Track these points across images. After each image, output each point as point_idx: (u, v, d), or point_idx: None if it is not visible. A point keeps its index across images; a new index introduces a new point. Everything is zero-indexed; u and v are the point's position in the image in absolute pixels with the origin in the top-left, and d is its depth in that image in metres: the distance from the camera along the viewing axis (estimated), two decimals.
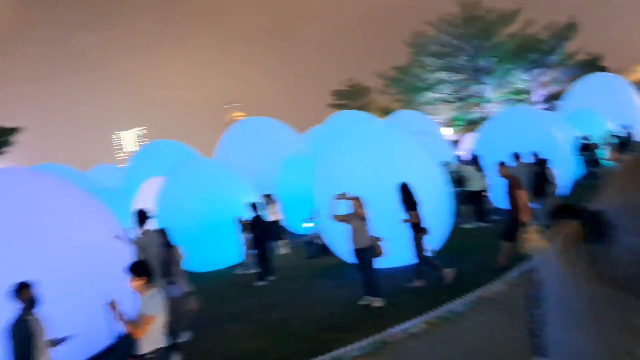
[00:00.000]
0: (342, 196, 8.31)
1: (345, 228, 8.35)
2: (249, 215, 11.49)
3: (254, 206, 11.59)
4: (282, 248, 14.48)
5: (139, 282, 4.82)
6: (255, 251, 11.28)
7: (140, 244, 7.33)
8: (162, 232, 7.74)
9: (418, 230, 8.68)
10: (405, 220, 8.58)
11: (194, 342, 7.75)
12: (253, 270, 11.46)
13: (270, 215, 14.03)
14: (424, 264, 8.77)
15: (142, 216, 7.93)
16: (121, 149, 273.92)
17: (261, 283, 11.01)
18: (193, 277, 9.05)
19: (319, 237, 12.52)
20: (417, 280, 8.81)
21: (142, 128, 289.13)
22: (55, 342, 5.09)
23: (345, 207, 8.50)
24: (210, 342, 7.77)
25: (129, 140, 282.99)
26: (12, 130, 10.83)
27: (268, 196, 14.80)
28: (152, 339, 4.67)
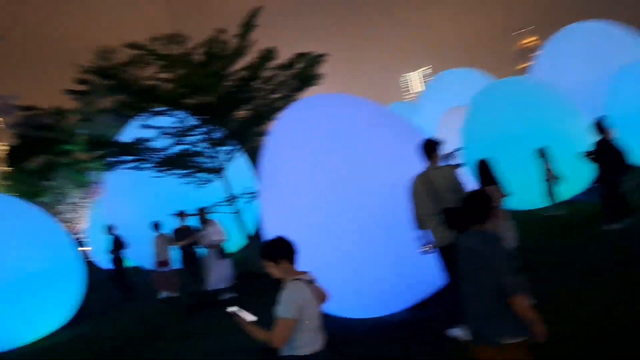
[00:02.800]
0: None
1: None
2: (592, 140, 8.74)
3: (599, 126, 8.67)
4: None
5: (275, 267, 3.26)
6: (603, 185, 8.53)
7: (426, 182, 5.39)
8: (457, 167, 5.98)
9: None
10: None
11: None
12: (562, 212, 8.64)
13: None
14: None
15: (431, 147, 5.85)
16: (408, 90, 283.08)
17: (615, 226, 8.35)
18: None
19: None
20: None
21: (427, 67, 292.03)
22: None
23: None
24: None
25: (415, 81, 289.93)
26: (320, 56, 11.34)
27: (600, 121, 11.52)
28: (295, 345, 3.12)
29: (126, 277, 12.20)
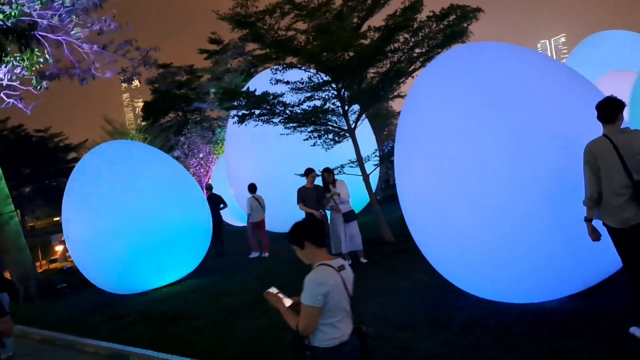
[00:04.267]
0: None
1: None
2: None
3: None
4: None
5: (301, 252, 3.01)
6: None
7: (611, 149, 4.24)
8: None
9: None
10: None
11: None
12: None
13: None
14: None
15: (617, 107, 4.52)
16: None
17: None
18: None
19: None
20: None
21: (562, 35, 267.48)
22: None
23: None
24: None
25: (550, 49, 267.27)
26: (476, 10, 10.31)
27: None
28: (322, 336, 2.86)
29: (221, 235, 12.67)
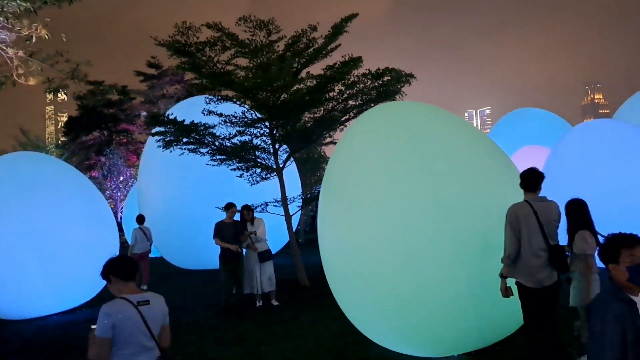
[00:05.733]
0: None
1: None
2: None
3: None
4: None
5: (110, 285, 3.26)
6: None
7: (532, 214, 4.60)
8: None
9: None
10: None
11: None
12: None
13: None
14: None
15: (537, 177, 5.02)
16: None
17: None
18: None
19: None
20: None
21: (487, 108, 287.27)
22: None
23: None
24: None
25: (476, 119, 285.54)
26: (410, 76, 10.78)
27: None
28: None
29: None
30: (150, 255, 11.59)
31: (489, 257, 4.72)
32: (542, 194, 4.74)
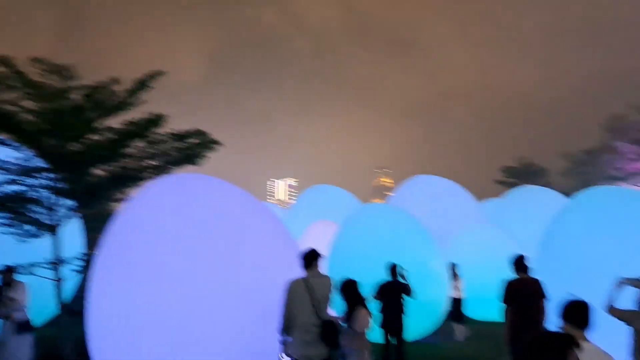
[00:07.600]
0: (634, 282, 5.38)
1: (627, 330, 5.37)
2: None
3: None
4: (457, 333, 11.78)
5: None
6: None
7: (307, 290, 5.00)
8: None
9: None
10: None
11: None
12: None
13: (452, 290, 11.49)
14: None
15: (314, 256, 5.62)
16: (273, 195, 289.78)
17: None
18: None
19: None
20: None
21: (295, 180, 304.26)
22: None
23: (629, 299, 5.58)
24: None
25: (281, 188, 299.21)
26: (215, 142, 10.82)
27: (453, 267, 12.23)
28: None
29: None
30: None
31: (263, 328, 4.81)
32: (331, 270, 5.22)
